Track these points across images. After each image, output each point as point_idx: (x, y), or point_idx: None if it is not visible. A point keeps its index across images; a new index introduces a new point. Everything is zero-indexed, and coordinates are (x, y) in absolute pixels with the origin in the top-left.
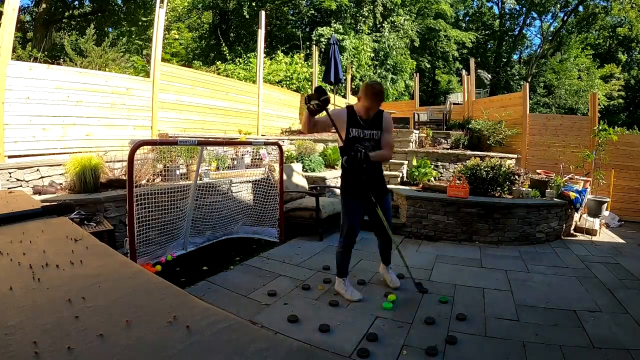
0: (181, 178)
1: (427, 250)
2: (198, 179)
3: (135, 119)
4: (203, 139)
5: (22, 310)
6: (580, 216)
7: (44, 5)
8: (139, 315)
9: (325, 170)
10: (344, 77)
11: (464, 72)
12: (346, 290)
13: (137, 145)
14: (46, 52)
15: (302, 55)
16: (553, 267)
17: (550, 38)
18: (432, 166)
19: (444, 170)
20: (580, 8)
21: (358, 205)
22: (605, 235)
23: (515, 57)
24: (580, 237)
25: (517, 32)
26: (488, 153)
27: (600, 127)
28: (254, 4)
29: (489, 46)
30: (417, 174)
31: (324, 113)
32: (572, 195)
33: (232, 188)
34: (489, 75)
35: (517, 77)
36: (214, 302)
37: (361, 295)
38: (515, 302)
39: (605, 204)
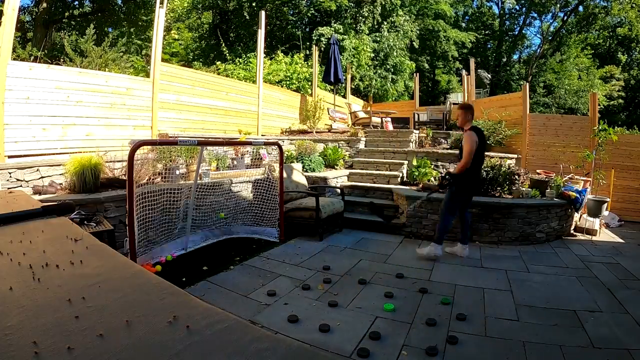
0: (181, 178)
1: None
2: (198, 179)
3: (135, 119)
4: (203, 139)
5: (22, 310)
6: (580, 216)
7: (44, 5)
8: (139, 315)
9: (325, 170)
10: (344, 77)
11: (464, 72)
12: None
13: (137, 145)
14: (46, 52)
15: (302, 55)
16: (553, 267)
17: (550, 38)
18: (432, 166)
19: (444, 170)
20: (580, 8)
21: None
22: (605, 235)
23: (515, 57)
24: (580, 237)
25: (517, 32)
26: (488, 153)
27: (600, 127)
28: (254, 4)
29: (489, 46)
30: (417, 173)
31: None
32: (572, 195)
33: (232, 188)
34: (489, 75)
35: (517, 77)
36: (214, 302)
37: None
38: (515, 302)
39: (605, 204)
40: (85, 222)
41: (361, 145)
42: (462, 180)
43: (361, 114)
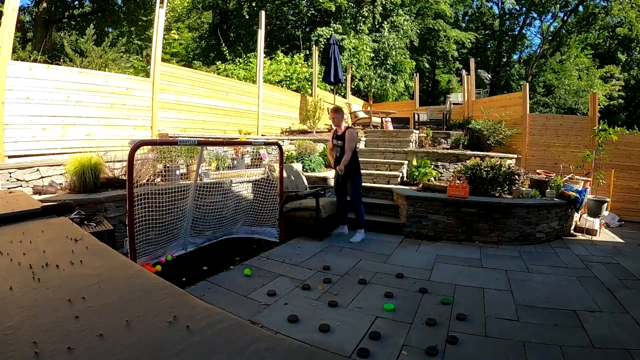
0: (181, 178)
1: (427, 250)
2: (198, 179)
3: (135, 119)
4: (203, 139)
5: (22, 310)
6: (580, 216)
7: (44, 5)
8: (139, 315)
9: (325, 170)
10: (344, 77)
11: (464, 72)
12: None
13: (137, 145)
14: (46, 51)
15: (302, 55)
16: (553, 267)
17: (550, 38)
18: (432, 166)
19: (444, 170)
20: (580, 8)
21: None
22: (605, 235)
23: (515, 57)
24: (580, 237)
25: (517, 32)
26: (488, 153)
27: (600, 127)
28: (254, 4)
29: (489, 46)
30: (417, 174)
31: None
32: (572, 195)
33: (232, 188)
34: (489, 75)
35: (517, 77)
36: (214, 302)
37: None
38: (515, 302)
39: (605, 204)
40: (85, 222)
41: (361, 145)
42: (356, 169)
43: (361, 114)
